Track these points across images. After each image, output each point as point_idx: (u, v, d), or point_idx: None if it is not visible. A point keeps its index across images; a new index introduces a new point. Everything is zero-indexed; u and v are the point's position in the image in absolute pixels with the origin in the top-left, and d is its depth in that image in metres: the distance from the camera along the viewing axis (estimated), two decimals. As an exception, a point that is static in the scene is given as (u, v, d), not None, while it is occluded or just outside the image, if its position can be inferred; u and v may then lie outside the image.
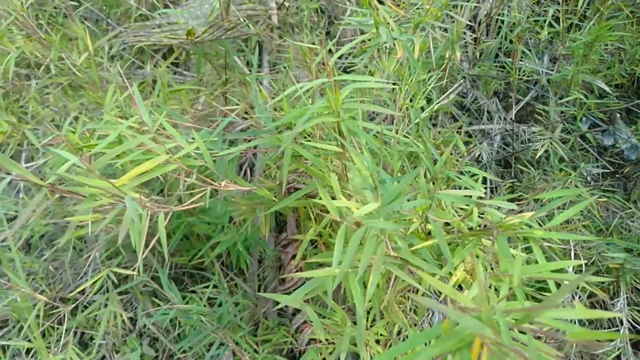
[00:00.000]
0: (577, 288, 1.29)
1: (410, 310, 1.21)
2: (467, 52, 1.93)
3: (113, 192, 0.83)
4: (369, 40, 1.06)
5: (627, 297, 1.37)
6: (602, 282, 1.40)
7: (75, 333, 1.69)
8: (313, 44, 2.05)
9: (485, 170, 1.71)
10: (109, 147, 0.88)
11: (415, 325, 1.18)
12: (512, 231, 0.71)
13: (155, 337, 1.65)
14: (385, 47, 1.33)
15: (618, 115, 1.74)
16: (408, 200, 0.79)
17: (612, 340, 1.39)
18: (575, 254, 1.35)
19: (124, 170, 0.97)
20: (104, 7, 2.27)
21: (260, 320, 1.56)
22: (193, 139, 0.96)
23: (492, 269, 0.79)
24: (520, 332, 0.57)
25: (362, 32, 1.08)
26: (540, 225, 0.80)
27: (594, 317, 1.43)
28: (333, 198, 0.84)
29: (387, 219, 0.76)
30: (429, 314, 1.30)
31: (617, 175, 1.66)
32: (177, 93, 1.48)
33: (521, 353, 0.45)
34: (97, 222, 0.91)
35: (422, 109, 1.28)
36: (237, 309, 1.51)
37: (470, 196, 0.77)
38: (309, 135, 1.15)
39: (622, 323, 1.32)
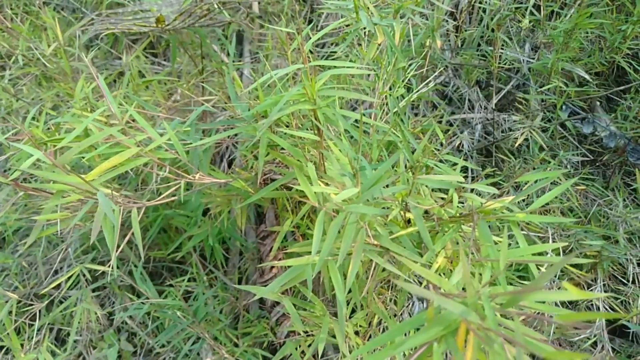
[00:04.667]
0: (555, 275, 1.29)
1: (390, 301, 1.20)
2: (449, 40, 1.91)
3: (82, 188, 0.79)
4: (348, 25, 1.04)
5: (604, 284, 1.38)
6: (580, 269, 1.41)
7: (51, 329, 1.65)
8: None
9: (466, 160, 1.71)
10: (75, 141, 0.84)
11: (395, 316, 1.17)
12: (493, 215, 0.69)
13: (133, 332, 1.61)
14: (366, 34, 1.31)
15: (598, 103, 1.74)
16: (387, 186, 0.77)
17: (590, 327, 1.41)
18: (553, 241, 1.35)
19: (90, 166, 0.93)
20: (79, -4, 2.21)
21: (241, 313, 1.53)
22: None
23: (473, 255, 0.78)
24: (503, 316, 0.55)
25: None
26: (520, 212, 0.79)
27: (572, 305, 1.43)
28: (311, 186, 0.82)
29: (367, 205, 0.74)
30: (408, 305, 1.29)
31: (596, 163, 1.66)
32: (150, 83, 1.43)
33: (509, 338, 0.43)
34: (66, 220, 0.87)
35: (403, 97, 1.27)
36: (217, 302, 1.48)
37: (451, 181, 0.75)
38: (286, 126, 1.12)
39: (599, 309, 1.33)
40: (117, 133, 0.84)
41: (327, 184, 0.86)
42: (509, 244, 0.99)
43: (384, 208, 0.76)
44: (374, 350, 0.67)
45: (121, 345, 1.54)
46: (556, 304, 1.35)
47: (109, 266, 1.24)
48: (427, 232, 0.71)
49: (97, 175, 0.80)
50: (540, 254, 0.71)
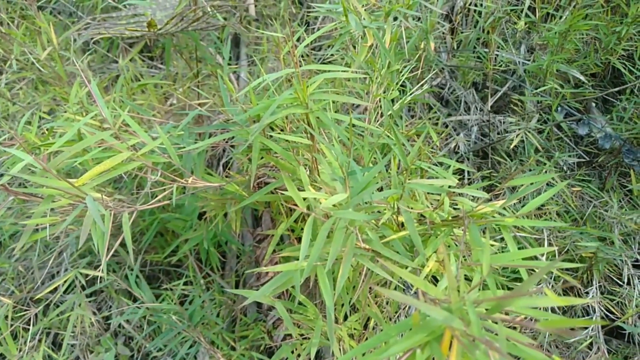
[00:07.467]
0: (551, 277, 1.29)
1: (387, 303, 1.20)
2: (445, 43, 1.91)
3: (72, 193, 0.79)
4: (340, 28, 1.04)
5: (599, 286, 1.37)
6: (576, 271, 1.41)
7: (48, 333, 1.65)
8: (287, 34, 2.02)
9: (462, 162, 1.71)
10: (66, 145, 0.84)
11: (391, 319, 1.16)
12: (484, 220, 0.69)
13: (130, 336, 1.61)
14: (360, 37, 1.31)
15: (593, 104, 1.74)
16: (378, 190, 0.77)
17: (585, 328, 1.40)
18: (549, 243, 1.35)
19: (85, 170, 0.93)
20: (74, 0, 2.21)
21: (238, 316, 1.53)
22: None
23: (464, 259, 0.78)
24: (494, 322, 0.55)
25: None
26: (514, 214, 0.79)
27: (568, 307, 1.43)
28: (303, 191, 0.82)
29: (357, 210, 0.74)
30: (405, 307, 1.29)
31: (592, 165, 1.66)
32: (144, 87, 1.43)
33: (491, 344, 0.43)
34: (56, 225, 0.87)
35: (398, 99, 1.27)
36: (214, 306, 1.48)
37: (442, 185, 0.75)
38: (281, 131, 1.12)
39: (595, 311, 1.33)
40: (109, 137, 0.84)
41: (320, 188, 0.86)
42: (503, 247, 0.99)
43: (376, 212, 0.76)
44: (364, 354, 0.67)
45: (118, 349, 1.54)
46: (552, 309, 1.35)
47: (100, 270, 1.24)
48: (418, 236, 0.71)
49: (89, 180, 0.80)
50: (534, 257, 0.71)
